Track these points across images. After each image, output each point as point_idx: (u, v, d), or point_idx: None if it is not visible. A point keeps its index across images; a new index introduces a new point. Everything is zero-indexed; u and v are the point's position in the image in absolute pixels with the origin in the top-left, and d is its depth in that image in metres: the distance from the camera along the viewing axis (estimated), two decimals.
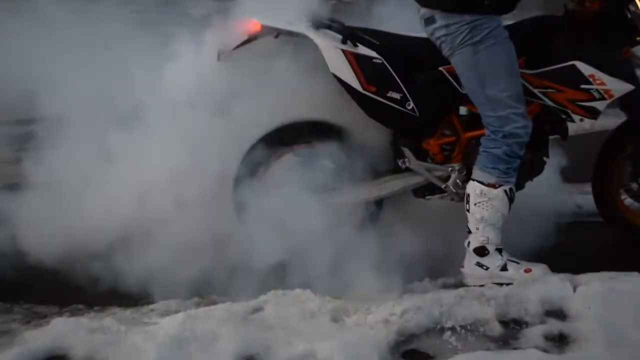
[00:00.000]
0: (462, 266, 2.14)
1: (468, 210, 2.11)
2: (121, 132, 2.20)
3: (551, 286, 1.98)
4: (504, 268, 2.11)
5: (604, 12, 2.21)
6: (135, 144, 2.18)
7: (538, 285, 1.99)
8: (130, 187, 2.16)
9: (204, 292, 2.10)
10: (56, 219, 2.21)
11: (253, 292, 1.95)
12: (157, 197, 2.12)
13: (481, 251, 2.11)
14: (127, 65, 2.32)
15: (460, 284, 2.10)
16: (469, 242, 2.12)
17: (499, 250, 2.11)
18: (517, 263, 2.12)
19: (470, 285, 2.09)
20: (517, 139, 2.08)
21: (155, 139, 2.15)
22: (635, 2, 2.25)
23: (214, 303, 1.96)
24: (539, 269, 2.10)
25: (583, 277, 2.04)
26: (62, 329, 1.79)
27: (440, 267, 2.19)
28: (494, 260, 2.10)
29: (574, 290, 1.97)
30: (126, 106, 2.24)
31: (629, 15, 2.25)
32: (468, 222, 2.12)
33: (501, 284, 2.06)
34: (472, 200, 2.10)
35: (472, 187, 2.10)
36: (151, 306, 1.99)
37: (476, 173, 2.11)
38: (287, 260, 2.07)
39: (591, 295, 1.92)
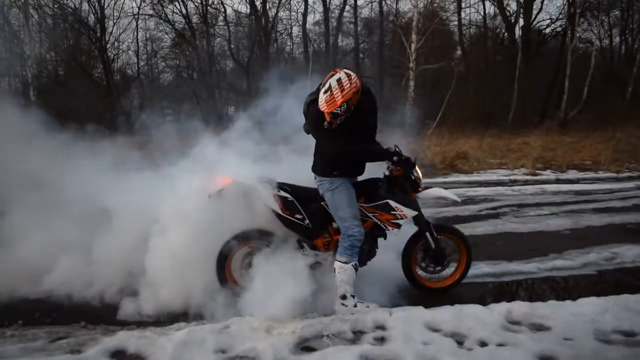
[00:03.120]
0: (334, 305, 3.67)
1: (335, 276, 3.67)
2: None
3: (379, 313, 3.56)
4: (355, 305, 3.63)
5: (403, 175, 3.92)
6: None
7: (372, 313, 3.56)
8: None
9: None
10: None
11: (225, 317, 3.54)
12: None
13: (343, 296, 3.65)
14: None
15: (332, 314, 3.64)
16: (336, 292, 3.67)
17: (353, 296, 3.65)
18: (362, 302, 3.65)
19: (339, 314, 3.60)
20: (355, 238, 3.65)
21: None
22: (417, 170, 3.96)
23: (203, 323, 3.53)
24: (373, 305, 3.65)
25: (396, 309, 3.63)
26: (123, 336, 3.29)
27: (323, 306, 3.74)
28: (350, 302, 3.64)
29: (390, 315, 3.52)
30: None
31: (413, 177, 3.96)
32: (336, 281, 3.66)
33: (353, 314, 3.56)
34: (336, 270, 3.66)
35: (336, 264, 3.67)
36: (171, 325, 3.55)
37: (337, 256, 3.69)
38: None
39: (400, 318, 3.46)
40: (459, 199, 4.19)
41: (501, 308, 3.68)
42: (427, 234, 4.05)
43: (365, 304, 3.69)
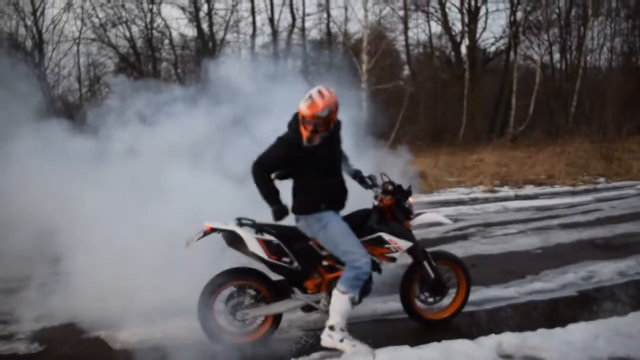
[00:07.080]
0: (321, 334, 3.38)
1: (330, 303, 3.38)
2: None
3: (361, 356, 3.24)
4: (341, 340, 3.33)
5: (394, 205, 3.66)
6: None
7: (354, 357, 3.24)
8: None
9: None
10: None
11: None
12: None
13: (332, 327, 3.36)
14: None
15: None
16: (327, 321, 3.38)
17: (342, 330, 3.35)
18: (350, 340, 3.33)
19: (323, 345, 3.36)
20: (361, 271, 3.35)
21: None
22: (409, 200, 3.71)
23: None
24: (362, 346, 3.32)
25: (380, 350, 3.30)
26: None
27: None
28: (337, 335, 3.34)
29: (374, 357, 3.22)
30: None
31: (406, 205, 3.71)
32: (330, 309, 3.38)
33: (337, 349, 3.31)
34: (333, 297, 3.36)
35: (334, 292, 3.37)
36: None
37: (338, 284, 3.38)
38: None
39: None
40: (452, 222, 4.01)
41: (491, 342, 3.44)
42: (425, 263, 3.77)
43: (352, 342, 3.36)
